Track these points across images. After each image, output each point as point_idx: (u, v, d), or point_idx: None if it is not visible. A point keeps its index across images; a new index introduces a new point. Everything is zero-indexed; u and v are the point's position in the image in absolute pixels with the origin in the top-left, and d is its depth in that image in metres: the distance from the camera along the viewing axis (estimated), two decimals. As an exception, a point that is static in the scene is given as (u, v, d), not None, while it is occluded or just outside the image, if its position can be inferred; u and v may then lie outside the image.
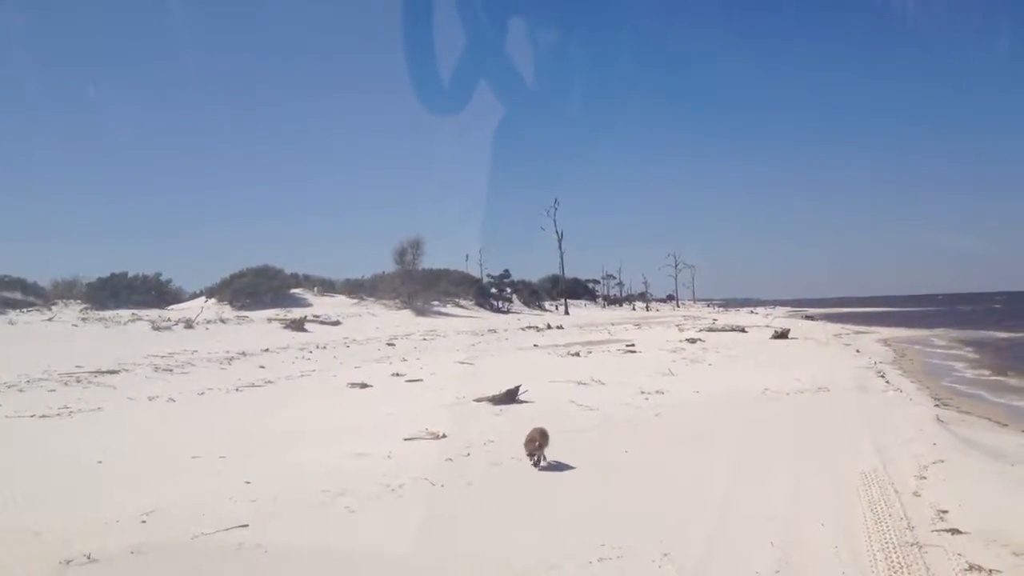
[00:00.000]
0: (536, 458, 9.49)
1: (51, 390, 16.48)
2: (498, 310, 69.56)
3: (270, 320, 39.13)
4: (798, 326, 47.95)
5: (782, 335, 36.44)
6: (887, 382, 19.21)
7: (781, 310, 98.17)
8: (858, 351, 30.26)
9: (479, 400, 14.72)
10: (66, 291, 43.76)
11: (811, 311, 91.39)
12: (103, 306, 40.55)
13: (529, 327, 48.08)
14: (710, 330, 42.03)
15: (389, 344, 32.06)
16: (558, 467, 9.49)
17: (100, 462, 9.79)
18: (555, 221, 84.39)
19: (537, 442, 9.50)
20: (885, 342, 37.39)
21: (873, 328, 50.85)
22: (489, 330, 43.57)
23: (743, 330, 41.60)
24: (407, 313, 52.45)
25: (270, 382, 18.88)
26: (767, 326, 46.50)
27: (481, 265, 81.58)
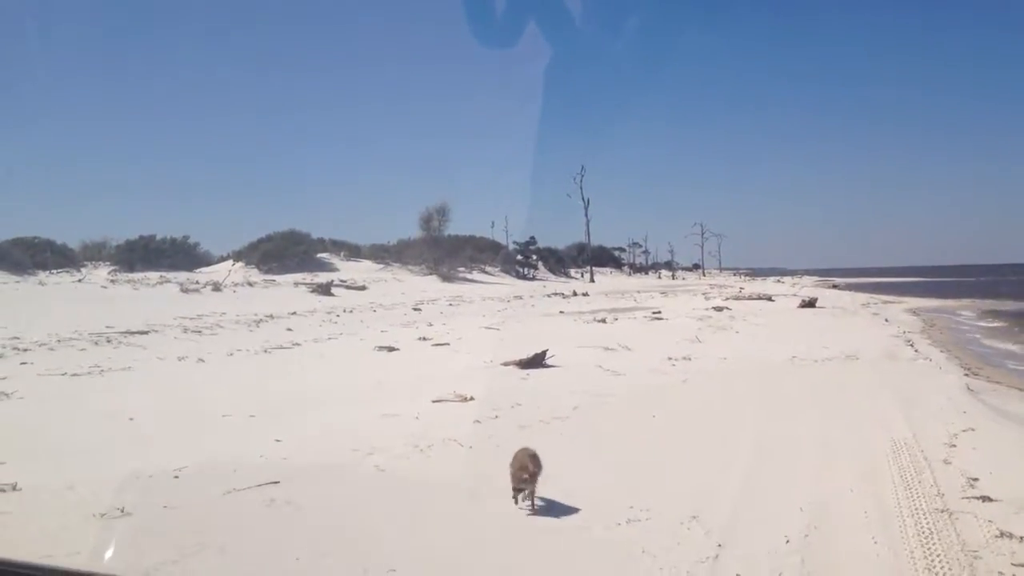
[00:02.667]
0: (524, 492, 6.63)
1: (81, 349, 16.68)
2: (524, 277, 69.54)
3: (297, 284, 39.34)
4: (825, 295, 47.55)
5: (809, 304, 36.19)
6: (916, 351, 19.05)
7: (808, 279, 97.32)
8: (886, 320, 30.00)
9: (506, 364, 14.75)
10: (95, 253, 44.21)
11: (837, 281, 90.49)
12: (132, 268, 40.94)
13: (555, 294, 48.08)
14: (736, 298, 41.80)
15: (415, 309, 32.17)
16: (552, 509, 6.63)
17: (131, 419, 9.91)
18: (581, 188, 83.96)
19: (529, 470, 6.55)
20: (913, 312, 37.02)
21: (901, 298, 50.34)
22: (515, 296, 43.60)
23: (770, 299, 41.35)
24: (433, 279, 52.57)
25: (298, 344, 19.01)
26: (794, 295, 46.16)
27: (507, 232, 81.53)
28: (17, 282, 32.27)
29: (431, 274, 53.96)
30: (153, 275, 38.69)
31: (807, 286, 70.30)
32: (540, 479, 6.53)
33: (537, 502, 6.62)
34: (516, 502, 6.63)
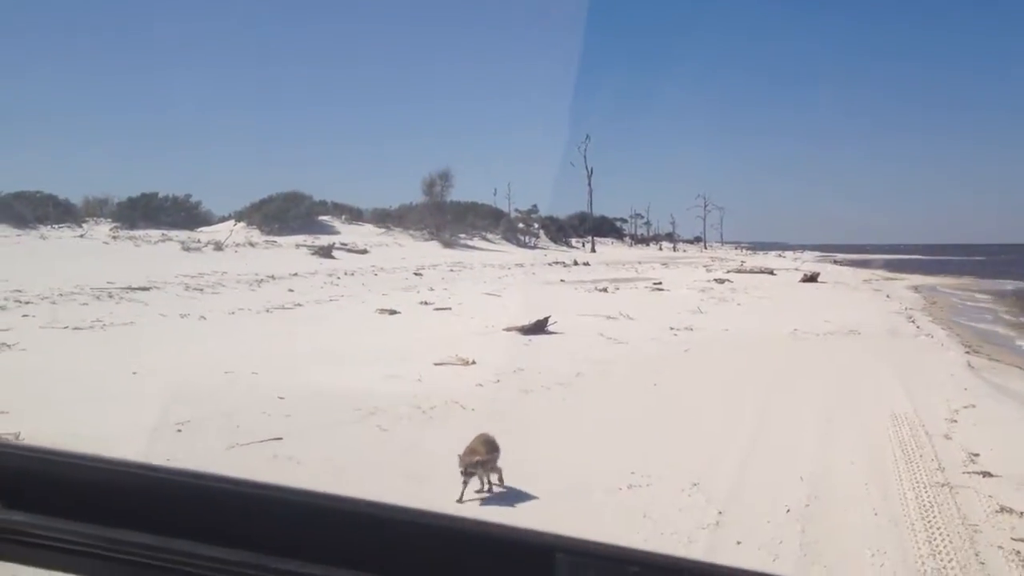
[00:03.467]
0: (473, 477, 6.04)
1: (83, 304, 16.66)
2: (525, 245, 69.40)
3: (298, 246, 39.28)
4: (827, 270, 47.51)
5: (811, 279, 36.19)
6: (918, 327, 19.06)
7: (809, 255, 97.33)
8: (888, 296, 30.01)
9: (508, 329, 14.76)
10: (97, 209, 44.06)
11: (839, 256, 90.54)
12: (133, 225, 40.81)
13: (556, 263, 48.03)
14: (738, 272, 41.80)
15: (416, 274, 32.15)
16: (511, 497, 6.12)
17: (134, 373, 9.92)
18: (585, 157, 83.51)
19: (479, 456, 5.99)
20: (915, 288, 37.00)
21: (902, 275, 50.29)
22: (516, 264, 43.56)
23: (771, 272, 41.34)
24: (434, 244, 52.48)
25: (299, 305, 19.01)
26: (796, 269, 46.18)
27: (509, 199, 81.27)
28: (19, 236, 32.23)
29: (432, 240, 53.84)
30: (155, 233, 38.60)
31: (808, 261, 70.29)
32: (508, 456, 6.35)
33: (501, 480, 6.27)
34: (463, 489, 5.98)
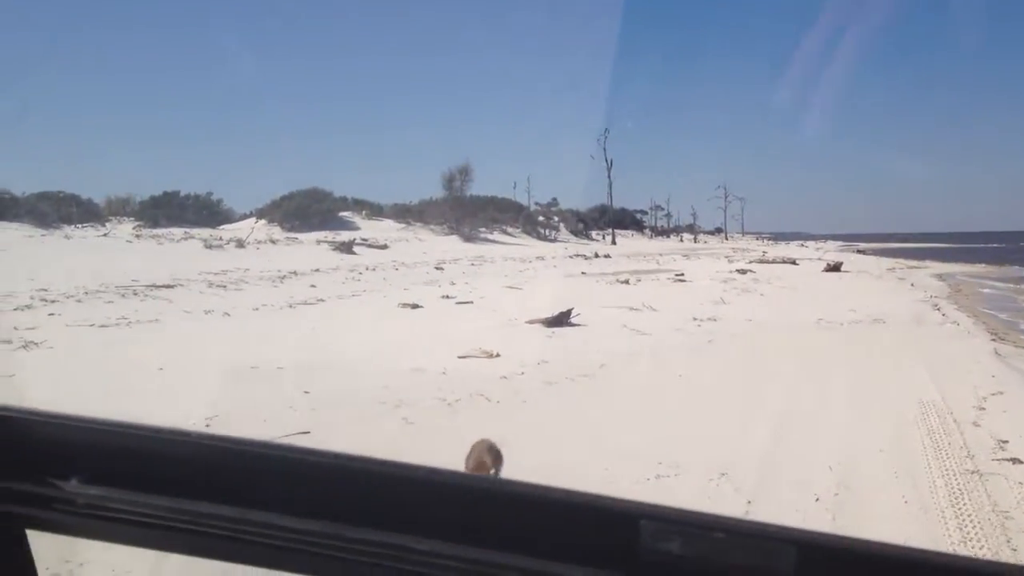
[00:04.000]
0: None
1: (108, 301, 16.78)
2: (545, 238, 69.29)
3: (319, 242, 39.39)
4: (850, 260, 47.24)
5: (834, 268, 35.96)
6: (943, 315, 18.92)
7: (832, 244, 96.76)
8: (912, 285, 29.80)
9: (531, 322, 14.75)
10: (119, 208, 44.34)
11: (862, 246, 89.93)
12: (156, 224, 41.02)
13: (576, 255, 47.95)
14: (760, 262, 41.59)
15: (437, 268, 32.18)
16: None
17: (161, 369, 9.99)
18: (605, 149, 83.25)
19: (492, 470, 5.22)
20: (939, 277, 36.75)
21: (926, 263, 49.94)
22: (536, 257, 43.53)
23: (794, 262, 41.12)
24: (454, 239, 52.49)
25: (322, 300, 19.07)
26: (819, 259, 45.90)
27: (529, 193, 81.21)
28: (43, 235, 32.47)
29: (452, 234, 53.84)
30: (177, 231, 38.79)
31: (831, 251, 69.87)
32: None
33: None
34: None
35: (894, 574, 0.68)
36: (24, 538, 0.88)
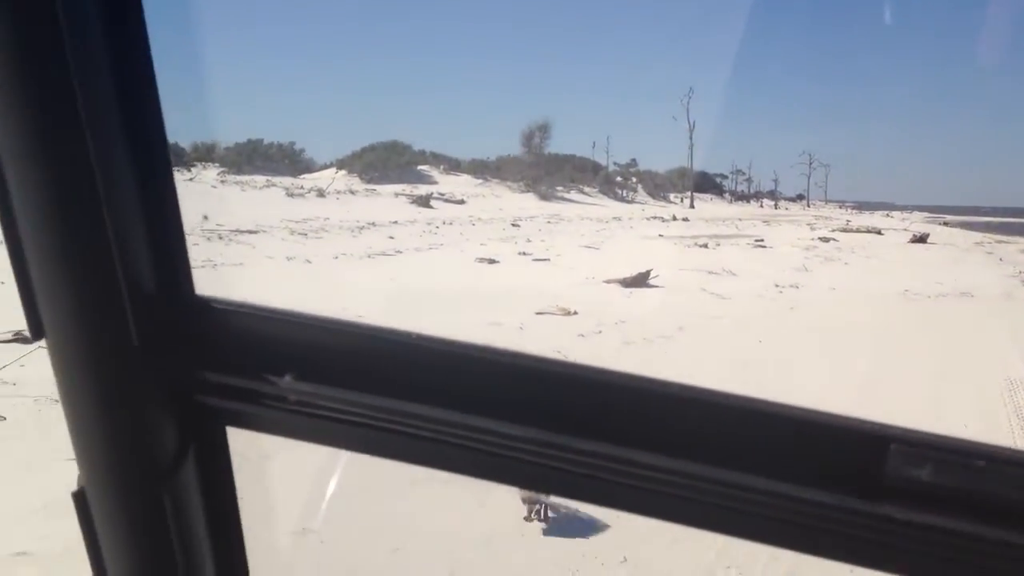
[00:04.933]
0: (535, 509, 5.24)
1: (194, 244, 17.15)
2: (622, 199, 68.78)
3: (397, 195, 39.67)
4: (936, 232, 45.90)
5: (920, 239, 34.96)
6: (1035, 292, 18.31)
7: (917, 215, 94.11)
8: (1001, 259, 28.86)
9: (608, 282, 14.68)
10: (205, 154, 45.21)
11: (948, 218, 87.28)
12: (239, 171, 41.79)
13: (654, 217, 47.50)
14: (844, 231, 40.63)
15: (514, 225, 32.18)
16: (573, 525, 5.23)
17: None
18: (688, 111, 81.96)
19: None
20: (1031, 253, 35.48)
21: (1016, 238, 48.26)
22: (613, 218, 43.23)
23: (879, 232, 40.11)
24: (531, 196, 52.40)
25: (400, 252, 19.24)
26: (904, 230, 44.70)
27: (608, 152, 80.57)
28: (131, 178, 33.30)
29: (529, 191, 53.72)
30: (260, 178, 39.45)
31: (916, 222, 68.00)
32: None
33: None
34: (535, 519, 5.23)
35: None
36: (224, 433, 0.88)
